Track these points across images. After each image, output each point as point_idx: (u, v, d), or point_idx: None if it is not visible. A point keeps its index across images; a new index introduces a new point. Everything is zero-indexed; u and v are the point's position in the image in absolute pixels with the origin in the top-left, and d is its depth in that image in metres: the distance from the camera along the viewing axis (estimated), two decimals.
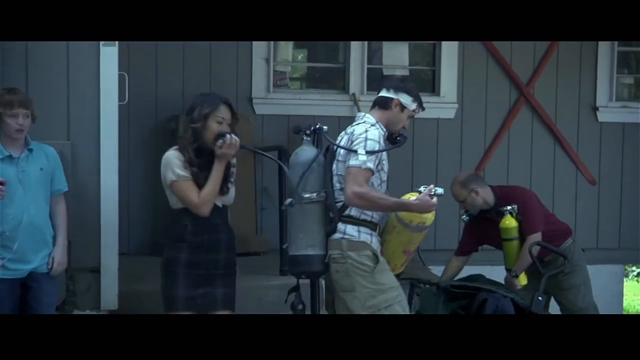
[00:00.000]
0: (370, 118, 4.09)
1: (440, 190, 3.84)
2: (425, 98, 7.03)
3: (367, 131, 3.96)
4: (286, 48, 7.20)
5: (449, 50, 7.04)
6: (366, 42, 6.91)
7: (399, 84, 4.25)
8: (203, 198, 3.86)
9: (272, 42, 6.75)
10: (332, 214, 3.90)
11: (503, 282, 4.96)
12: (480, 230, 5.16)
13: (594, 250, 6.79)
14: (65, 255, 4.17)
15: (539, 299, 4.56)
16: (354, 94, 6.86)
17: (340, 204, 3.93)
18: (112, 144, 4.72)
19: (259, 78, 6.75)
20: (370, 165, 3.88)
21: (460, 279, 5.00)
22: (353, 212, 3.92)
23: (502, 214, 4.98)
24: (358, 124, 4.08)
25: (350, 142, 4.00)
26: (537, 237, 4.92)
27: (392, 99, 4.15)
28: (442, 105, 7.03)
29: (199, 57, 6.58)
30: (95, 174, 4.69)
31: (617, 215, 7.30)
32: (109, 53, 4.65)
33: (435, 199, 3.81)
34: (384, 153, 3.96)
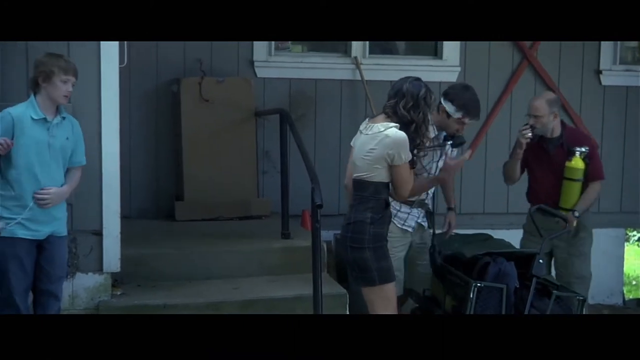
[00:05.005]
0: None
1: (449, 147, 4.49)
2: (427, 61, 7.06)
3: None
4: None
5: None
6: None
7: (449, 91, 4.67)
8: (415, 189, 4.14)
9: None
10: None
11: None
12: (531, 156, 5.13)
13: (595, 214, 6.76)
14: (63, 196, 4.16)
15: (539, 262, 4.57)
16: (355, 57, 6.82)
17: None
18: (113, 107, 4.71)
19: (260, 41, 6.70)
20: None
21: (471, 236, 4.99)
22: None
23: (572, 153, 5.00)
24: None
25: None
26: (599, 186, 5.08)
27: (440, 104, 4.63)
28: (445, 68, 6.99)
29: None
30: (97, 137, 4.68)
31: (619, 178, 7.29)
32: None
33: (454, 157, 4.44)
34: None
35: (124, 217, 4.96)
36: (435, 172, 4.68)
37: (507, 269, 4.48)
